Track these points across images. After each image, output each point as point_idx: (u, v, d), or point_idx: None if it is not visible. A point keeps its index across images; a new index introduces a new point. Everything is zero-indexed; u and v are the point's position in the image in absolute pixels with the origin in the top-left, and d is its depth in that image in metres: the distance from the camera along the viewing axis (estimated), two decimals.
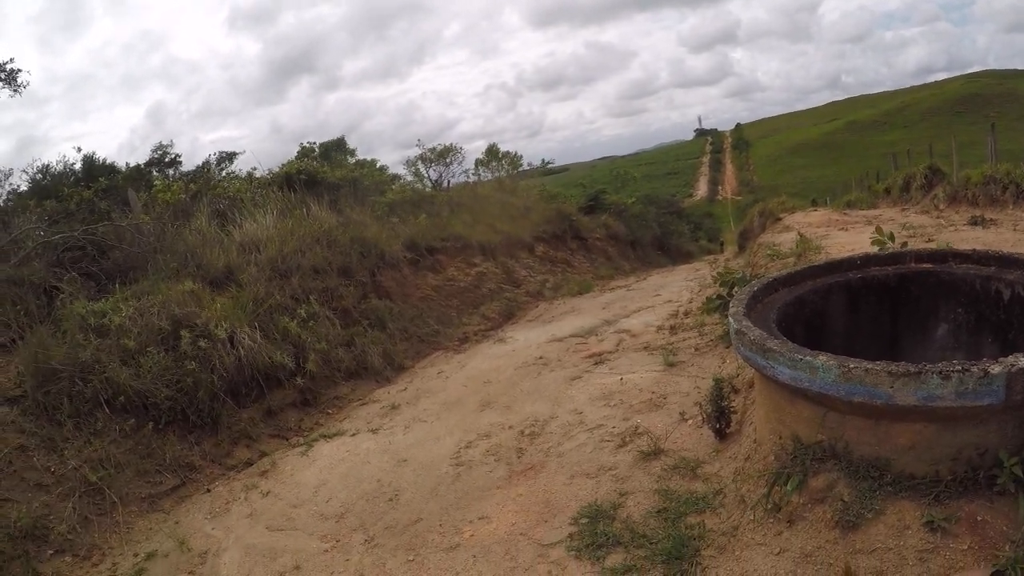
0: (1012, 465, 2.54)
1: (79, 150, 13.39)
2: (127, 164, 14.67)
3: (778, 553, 2.93)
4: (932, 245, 5.40)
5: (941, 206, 11.60)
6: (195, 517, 4.98)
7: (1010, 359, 2.48)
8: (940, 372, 2.47)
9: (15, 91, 9.76)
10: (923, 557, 2.57)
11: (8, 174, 14.01)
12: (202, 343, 6.30)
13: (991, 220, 8.61)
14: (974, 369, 2.44)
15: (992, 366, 2.44)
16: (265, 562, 4.16)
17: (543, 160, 26.39)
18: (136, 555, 4.48)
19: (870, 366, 2.61)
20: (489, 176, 23.05)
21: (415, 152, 22.07)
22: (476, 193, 18.12)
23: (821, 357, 2.77)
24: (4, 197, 11.37)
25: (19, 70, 9.73)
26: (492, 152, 24.19)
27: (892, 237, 5.03)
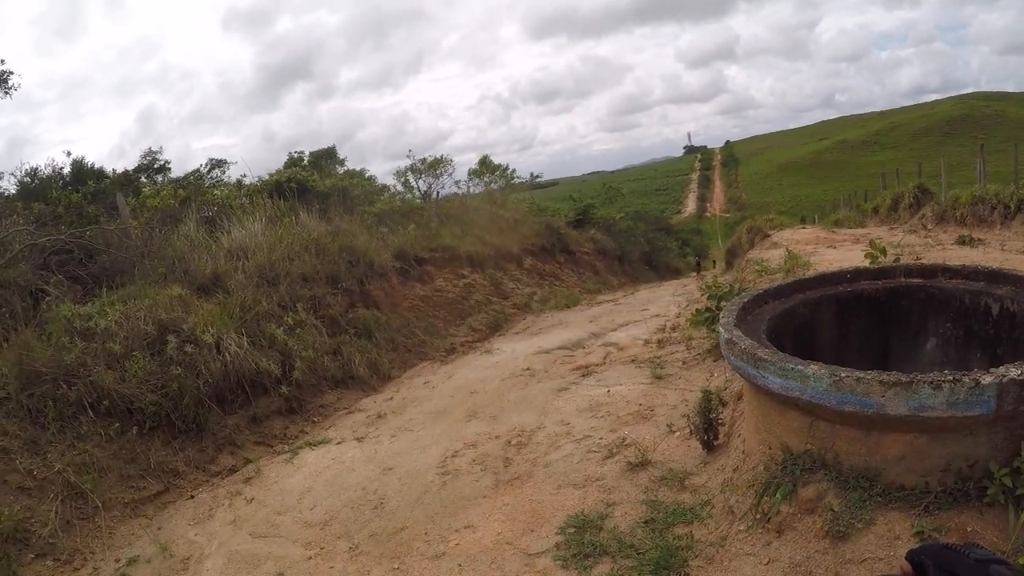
0: (1002, 476, 2.52)
1: (68, 154, 13.32)
2: (113, 171, 14.63)
3: (767, 563, 2.94)
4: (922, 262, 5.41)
5: (929, 225, 11.74)
6: (178, 523, 4.94)
7: (1001, 370, 2.47)
8: (931, 382, 2.46)
9: (6, 92, 9.75)
10: None
11: None
12: (188, 348, 6.27)
13: (978, 239, 8.73)
14: (965, 379, 2.43)
15: (983, 376, 2.43)
16: (248, 569, 4.12)
17: (532, 174, 26.65)
18: (118, 560, 4.43)
19: (861, 375, 2.60)
20: (479, 188, 23.17)
21: (406, 163, 22.16)
22: (465, 205, 18.23)
23: (812, 366, 2.76)
24: None
25: (11, 72, 9.72)
26: (486, 164, 24.29)
27: (884, 251, 5.02)
